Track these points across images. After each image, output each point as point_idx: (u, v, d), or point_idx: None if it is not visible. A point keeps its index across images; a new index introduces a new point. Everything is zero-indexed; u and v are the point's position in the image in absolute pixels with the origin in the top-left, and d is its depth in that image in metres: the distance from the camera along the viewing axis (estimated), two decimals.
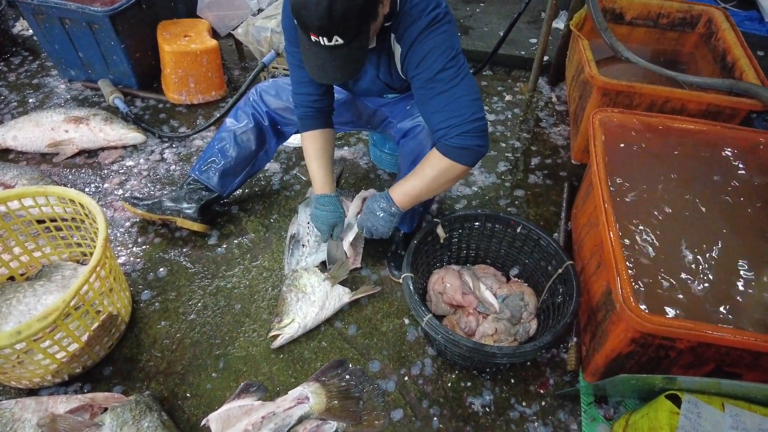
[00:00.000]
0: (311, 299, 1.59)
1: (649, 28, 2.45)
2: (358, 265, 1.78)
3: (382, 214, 1.47)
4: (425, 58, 1.25)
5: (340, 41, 1.13)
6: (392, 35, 1.30)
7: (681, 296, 1.26)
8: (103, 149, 2.27)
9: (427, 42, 1.25)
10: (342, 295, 1.64)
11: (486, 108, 2.58)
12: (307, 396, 1.40)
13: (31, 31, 3.09)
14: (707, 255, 1.35)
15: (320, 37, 1.13)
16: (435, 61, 1.25)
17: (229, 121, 1.82)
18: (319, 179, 1.59)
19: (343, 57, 1.18)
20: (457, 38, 1.29)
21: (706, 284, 1.29)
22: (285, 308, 1.57)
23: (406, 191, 1.42)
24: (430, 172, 1.35)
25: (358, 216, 1.62)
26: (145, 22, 2.50)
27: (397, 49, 1.32)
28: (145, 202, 1.84)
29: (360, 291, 1.67)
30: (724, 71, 2.10)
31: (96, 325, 1.42)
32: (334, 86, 1.72)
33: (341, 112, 1.76)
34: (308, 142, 1.58)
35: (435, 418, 1.40)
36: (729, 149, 1.64)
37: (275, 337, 1.53)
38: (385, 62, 1.40)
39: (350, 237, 1.71)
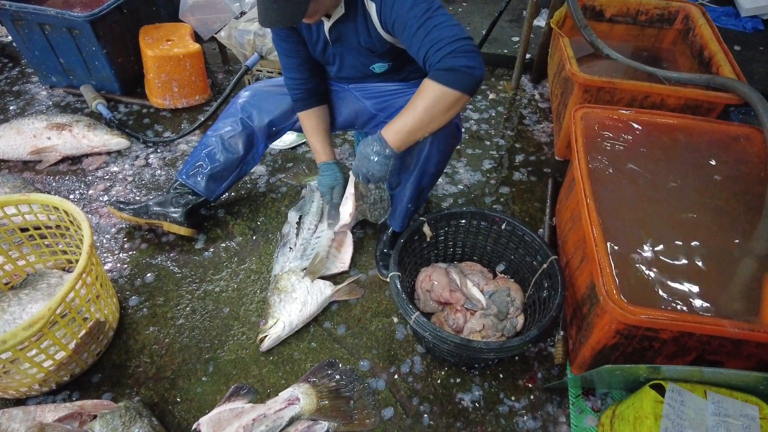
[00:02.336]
0: (293, 297, 1.60)
1: (629, 24, 2.48)
2: (347, 268, 1.78)
3: (376, 158, 1.33)
4: (395, 2, 1.25)
5: None
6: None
7: (664, 287, 1.28)
8: (87, 156, 2.25)
9: None
10: (323, 288, 1.65)
11: (470, 106, 2.60)
12: (297, 397, 1.40)
13: (10, 38, 3.05)
14: (689, 246, 1.38)
15: None
16: (405, 1, 1.23)
17: (216, 125, 1.81)
18: (319, 150, 1.74)
19: (284, 0, 1.20)
20: None
21: (688, 274, 1.31)
22: (270, 310, 1.58)
23: (398, 129, 1.29)
24: (421, 104, 1.24)
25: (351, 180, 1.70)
26: (127, 27, 2.48)
27: (372, 7, 1.32)
28: (131, 207, 1.83)
29: (344, 289, 1.68)
30: (701, 66, 2.14)
31: (83, 332, 1.41)
32: (337, 76, 1.70)
33: (338, 111, 1.76)
34: (305, 120, 1.71)
35: (425, 415, 1.42)
36: (708, 142, 1.67)
37: (263, 339, 1.53)
38: (363, 26, 1.40)
39: (348, 205, 1.73)
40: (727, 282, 1.31)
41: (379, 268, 1.78)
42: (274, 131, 1.81)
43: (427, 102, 1.23)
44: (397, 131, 1.30)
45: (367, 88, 1.67)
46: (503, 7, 2.34)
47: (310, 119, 1.69)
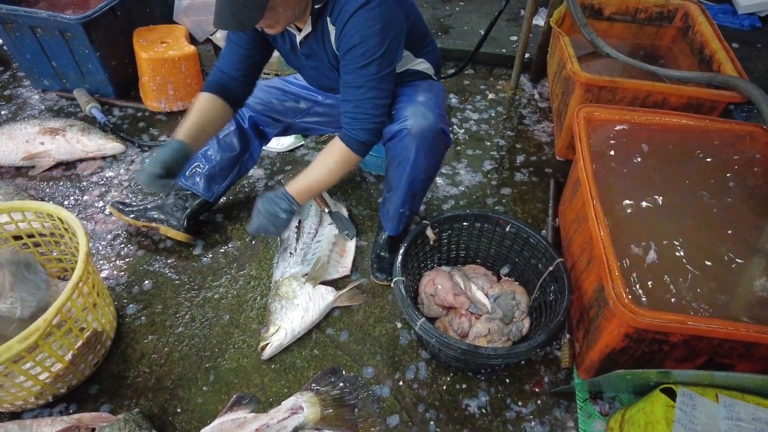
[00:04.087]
0: (294, 303, 1.57)
1: (628, 23, 2.47)
2: (348, 273, 1.76)
3: (285, 216, 1.42)
4: (352, 50, 1.29)
5: None
6: (328, 18, 1.32)
7: (673, 290, 1.26)
8: (81, 161, 2.21)
9: (357, 31, 1.26)
10: (325, 294, 1.62)
11: (469, 107, 2.58)
12: (300, 406, 1.37)
13: (0, 41, 3.00)
14: (697, 247, 1.36)
15: None
16: (362, 55, 1.28)
17: None
18: (184, 127, 1.47)
19: (239, 4, 1.18)
20: (392, 21, 1.29)
21: (697, 276, 1.29)
22: (271, 318, 1.55)
23: (304, 186, 1.45)
24: (334, 164, 1.42)
25: (254, 217, 1.47)
26: (120, 29, 2.44)
27: (332, 30, 1.33)
28: (132, 208, 1.81)
29: (346, 294, 1.65)
30: (702, 64, 2.12)
31: (80, 342, 1.37)
32: (319, 90, 1.70)
33: (326, 112, 1.74)
34: (200, 101, 1.51)
35: (431, 423, 1.39)
36: (712, 141, 1.65)
37: (264, 347, 1.50)
38: (329, 47, 1.40)
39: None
40: (736, 282, 1.29)
41: (373, 271, 1.76)
42: (261, 130, 1.80)
43: (335, 163, 1.42)
44: (304, 190, 1.45)
45: None
46: (503, 7, 2.31)
47: (207, 104, 1.50)
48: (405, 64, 1.51)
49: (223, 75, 1.53)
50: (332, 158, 1.42)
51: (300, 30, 1.40)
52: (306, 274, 1.67)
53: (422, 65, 1.54)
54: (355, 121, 1.38)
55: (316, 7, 1.30)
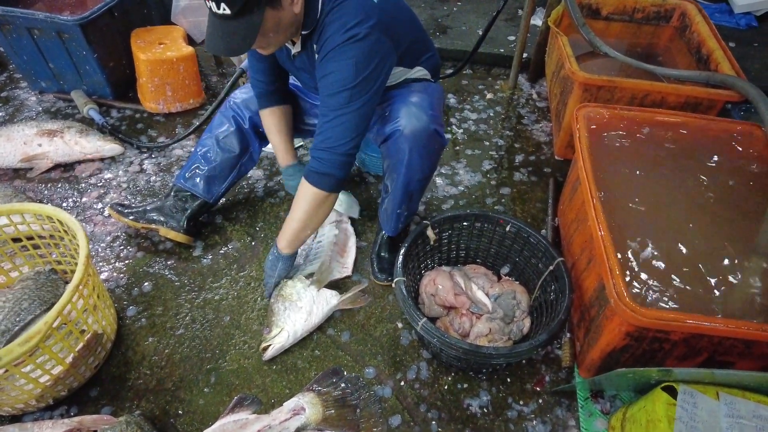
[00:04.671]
0: (298, 306, 1.56)
1: (626, 22, 2.48)
2: (350, 273, 1.76)
3: (285, 267, 1.59)
4: (325, 77, 1.29)
5: (228, 11, 1.15)
6: (314, 45, 1.33)
7: (673, 288, 1.27)
8: (79, 162, 2.20)
9: (333, 61, 1.27)
10: (330, 298, 1.62)
11: (468, 107, 2.58)
12: (302, 407, 1.37)
13: None
14: (696, 245, 1.37)
15: (211, 2, 1.16)
16: (332, 84, 1.28)
17: (211, 126, 1.80)
18: (282, 151, 1.72)
19: (230, 30, 1.19)
20: (370, 62, 1.27)
21: (697, 274, 1.30)
22: (274, 319, 1.55)
23: (288, 237, 1.50)
24: (300, 207, 1.43)
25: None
26: (118, 30, 2.44)
27: (317, 56, 1.35)
28: (131, 210, 1.81)
29: (350, 297, 1.65)
30: (699, 63, 2.13)
31: (80, 345, 1.37)
32: (315, 95, 1.71)
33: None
34: (267, 118, 1.68)
35: (433, 422, 1.39)
36: (710, 140, 1.66)
37: (266, 348, 1.50)
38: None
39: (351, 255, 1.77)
40: (736, 280, 1.30)
41: (373, 272, 1.76)
42: (261, 131, 1.80)
43: (304, 205, 1.41)
44: (289, 242, 1.51)
45: None
46: (501, 7, 2.32)
47: (273, 117, 1.67)
48: (400, 77, 1.52)
49: (263, 85, 1.63)
50: (303, 202, 1.41)
51: (294, 44, 1.41)
52: (310, 275, 1.67)
53: (419, 73, 1.55)
54: (318, 151, 1.34)
55: (303, 33, 1.33)
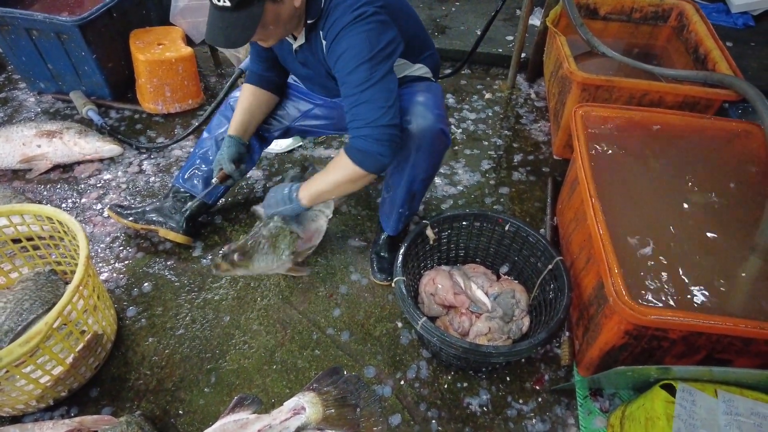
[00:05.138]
0: (272, 255, 1.55)
1: (623, 22, 2.49)
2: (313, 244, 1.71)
3: (288, 205, 1.50)
4: (340, 58, 1.27)
5: (228, 3, 1.16)
6: (320, 32, 1.32)
7: (671, 286, 1.28)
8: (78, 163, 2.20)
9: (344, 40, 1.25)
10: (286, 262, 1.59)
11: (466, 107, 2.59)
12: (303, 406, 1.37)
13: None
14: (694, 243, 1.38)
15: None
16: (348, 62, 1.25)
17: (210, 126, 1.80)
18: (235, 123, 1.67)
19: (229, 22, 1.19)
20: (382, 37, 1.26)
21: (695, 273, 1.31)
22: (250, 251, 1.52)
23: (311, 191, 1.46)
24: (334, 175, 1.39)
25: (263, 205, 1.61)
26: (117, 31, 2.44)
27: (323, 43, 1.33)
28: (131, 211, 1.81)
29: (297, 268, 1.66)
30: (697, 63, 2.14)
31: (81, 345, 1.37)
32: (316, 93, 1.71)
33: (324, 114, 1.74)
34: (244, 92, 1.67)
35: (433, 421, 1.40)
36: (708, 139, 1.67)
37: (218, 266, 1.50)
38: (322, 57, 1.40)
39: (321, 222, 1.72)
40: (734, 278, 1.30)
41: (373, 271, 1.76)
42: (261, 134, 1.80)
43: (339, 175, 1.38)
44: (310, 194, 1.46)
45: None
46: (499, 7, 2.32)
47: (248, 93, 1.66)
48: (403, 71, 1.51)
49: (257, 68, 1.64)
50: (341, 172, 1.38)
51: (296, 38, 1.41)
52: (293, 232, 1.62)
53: (421, 70, 1.55)
54: (356, 130, 1.30)
55: (309, 22, 1.32)
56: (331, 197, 1.50)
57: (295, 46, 1.43)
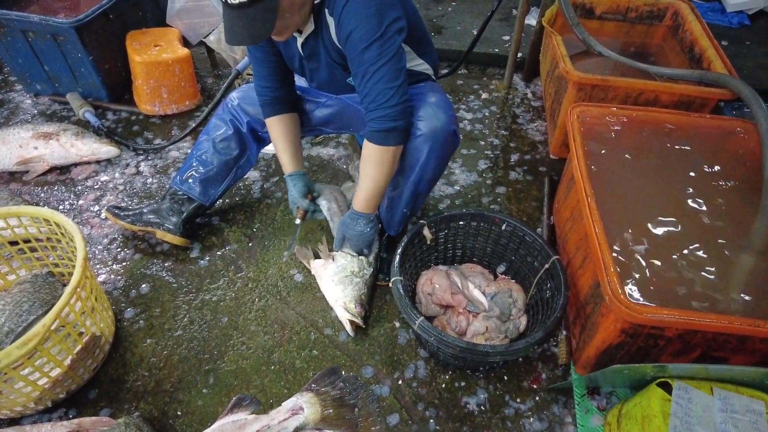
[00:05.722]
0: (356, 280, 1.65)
1: (619, 21, 2.50)
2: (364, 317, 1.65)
3: (369, 229, 1.55)
4: (351, 34, 1.25)
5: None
6: (326, 11, 1.31)
7: (667, 284, 1.28)
8: (75, 165, 2.20)
9: (353, 15, 1.24)
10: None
11: (463, 107, 2.59)
12: (301, 406, 1.37)
13: None
14: (690, 242, 1.38)
15: None
16: (360, 39, 1.24)
17: (207, 129, 1.79)
18: (289, 158, 1.65)
19: (249, 18, 1.18)
20: (390, 10, 1.26)
21: (691, 271, 1.31)
22: (352, 295, 1.60)
23: (366, 198, 1.48)
24: (371, 169, 1.41)
25: (345, 240, 1.65)
26: (113, 33, 2.44)
27: (331, 22, 1.32)
28: (128, 212, 1.81)
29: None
30: (692, 62, 2.15)
31: (79, 347, 1.37)
32: (317, 89, 1.70)
33: (327, 115, 1.74)
34: (272, 127, 1.64)
35: (431, 421, 1.40)
36: (703, 137, 1.68)
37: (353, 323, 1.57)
38: (329, 41, 1.39)
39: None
40: (729, 276, 1.31)
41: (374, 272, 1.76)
42: (259, 135, 1.80)
43: (374, 166, 1.40)
44: (366, 201, 1.48)
45: (351, 97, 1.66)
46: (495, 7, 2.33)
47: (278, 126, 1.63)
48: (408, 61, 1.51)
49: (269, 92, 1.59)
50: (369, 164, 1.41)
51: (301, 32, 1.40)
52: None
53: (422, 66, 1.55)
54: (370, 112, 1.33)
55: (315, 3, 1.31)
56: (381, 190, 1.47)
57: (300, 40, 1.42)
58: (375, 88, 1.28)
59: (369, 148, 1.38)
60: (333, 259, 1.68)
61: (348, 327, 1.57)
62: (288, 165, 1.66)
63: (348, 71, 1.42)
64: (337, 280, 1.62)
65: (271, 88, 1.59)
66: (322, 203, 1.74)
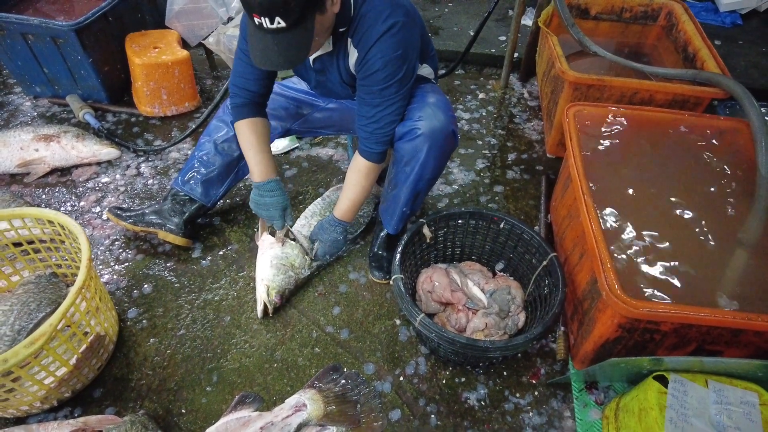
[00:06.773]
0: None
1: (614, 22, 2.53)
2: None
3: (342, 237, 1.69)
4: (375, 73, 1.33)
5: (282, 24, 1.14)
6: (349, 39, 1.34)
7: (663, 279, 1.31)
8: (76, 167, 2.21)
9: (381, 57, 1.31)
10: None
11: (460, 107, 2.62)
12: (304, 403, 1.40)
13: None
14: (685, 238, 1.41)
15: (263, 18, 1.14)
16: (384, 79, 1.34)
17: (208, 130, 1.81)
18: (262, 166, 1.57)
19: (286, 42, 1.18)
20: (412, 46, 1.35)
21: (685, 266, 1.34)
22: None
23: (347, 207, 1.62)
24: (364, 179, 1.55)
25: (315, 244, 1.74)
26: (113, 35, 2.45)
27: (354, 53, 1.36)
28: (130, 214, 1.82)
29: None
30: (686, 61, 2.18)
31: (84, 347, 1.39)
32: (317, 93, 1.72)
33: (327, 117, 1.76)
34: (242, 130, 1.57)
35: (432, 416, 1.43)
36: (698, 136, 1.71)
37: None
38: (343, 65, 1.43)
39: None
40: (723, 271, 1.34)
41: (371, 270, 1.79)
42: None
43: (363, 177, 1.55)
44: (348, 210, 1.63)
45: (351, 101, 1.68)
46: (492, 8, 2.36)
47: (254, 129, 1.56)
48: None
49: (247, 93, 1.54)
50: (360, 175, 1.55)
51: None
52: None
53: (425, 70, 1.58)
54: (372, 136, 1.46)
55: (340, 30, 1.33)
56: (362, 201, 1.62)
57: (313, 56, 1.44)
58: (385, 119, 1.43)
59: (361, 162, 1.52)
60: (282, 244, 1.71)
61: (259, 308, 1.64)
62: (264, 171, 1.57)
63: (355, 90, 1.48)
64: (275, 264, 1.67)
65: (254, 93, 1.55)
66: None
